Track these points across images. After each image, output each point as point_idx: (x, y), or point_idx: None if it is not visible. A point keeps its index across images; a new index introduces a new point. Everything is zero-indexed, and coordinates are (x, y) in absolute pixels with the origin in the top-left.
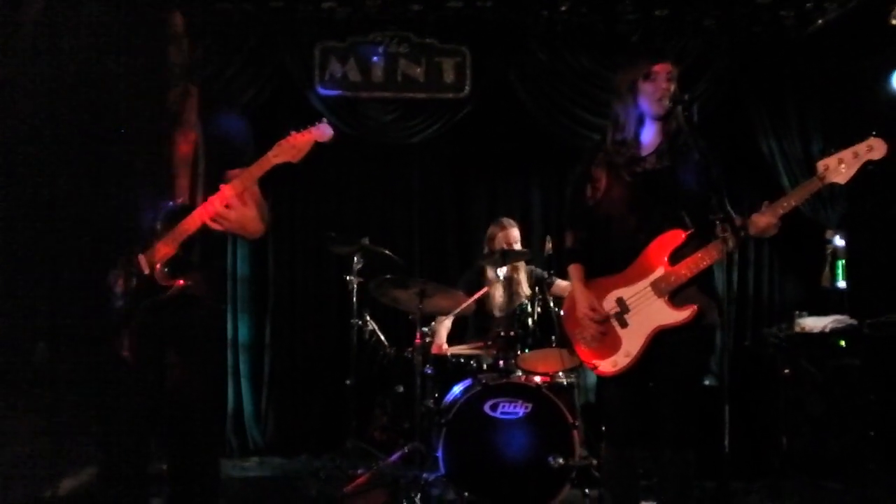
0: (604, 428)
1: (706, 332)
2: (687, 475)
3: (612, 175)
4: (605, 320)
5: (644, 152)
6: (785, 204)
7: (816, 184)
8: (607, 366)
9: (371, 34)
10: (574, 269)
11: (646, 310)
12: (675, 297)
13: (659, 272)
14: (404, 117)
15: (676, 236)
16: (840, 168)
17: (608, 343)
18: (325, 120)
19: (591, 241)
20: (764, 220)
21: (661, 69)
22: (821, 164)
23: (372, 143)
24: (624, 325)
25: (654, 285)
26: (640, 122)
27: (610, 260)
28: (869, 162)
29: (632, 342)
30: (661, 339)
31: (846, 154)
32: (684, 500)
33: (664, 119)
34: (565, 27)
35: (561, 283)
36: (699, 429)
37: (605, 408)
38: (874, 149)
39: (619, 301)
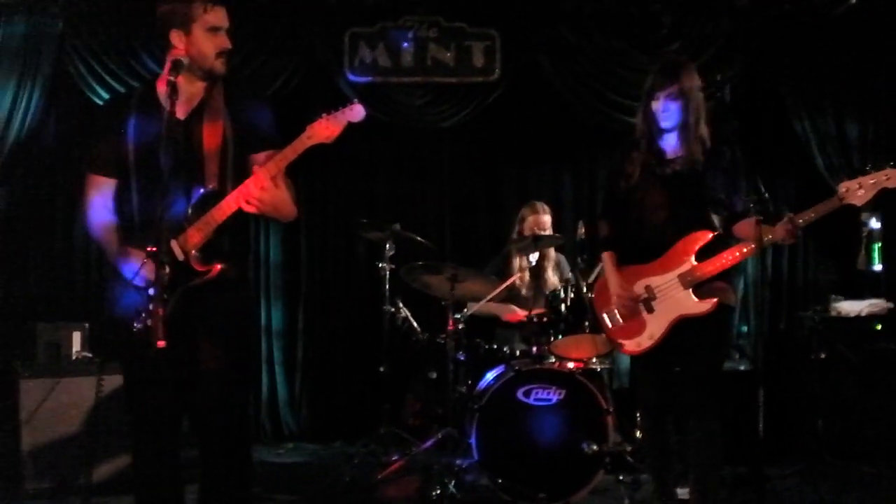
0: (638, 405)
1: (721, 312)
2: (713, 444)
3: (644, 171)
4: (635, 300)
5: (669, 156)
6: (806, 217)
7: (836, 202)
8: (632, 345)
9: (400, 19)
10: (607, 256)
11: (671, 298)
12: (701, 288)
13: (686, 266)
14: (434, 102)
15: (704, 236)
16: (858, 192)
17: (634, 325)
18: (356, 100)
19: (622, 231)
20: (783, 230)
21: (661, 94)
22: (842, 186)
23: (402, 128)
24: (650, 310)
25: (681, 277)
26: (657, 132)
27: (639, 249)
28: (885, 189)
29: (655, 326)
30: (683, 324)
31: (865, 180)
32: (712, 469)
33: (674, 131)
34: (595, 8)
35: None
36: (724, 402)
37: (637, 386)
38: (890, 178)
39: (648, 288)
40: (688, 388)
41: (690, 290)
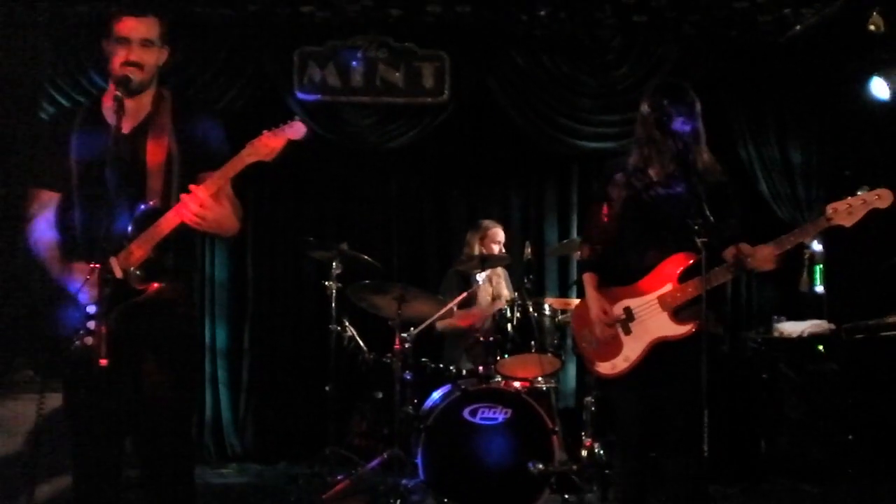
0: (616, 436)
1: (702, 337)
2: (694, 480)
3: (628, 195)
4: (614, 323)
5: (659, 177)
6: (792, 239)
7: (823, 223)
8: (606, 368)
9: (350, 38)
10: (588, 278)
11: (650, 320)
12: (681, 312)
13: (667, 288)
14: (383, 122)
15: (688, 257)
16: (847, 212)
17: (610, 347)
18: (297, 118)
19: (604, 253)
20: (766, 250)
21: (678, 118)
22: (830, 207)
23: (351, 147)
24: (627, 332)
25: (661, 299)
26: (659, 153)
27: (621, 272)
28: (875, 209)
29: (632, 348)
30: (662, 349)
31: (855, 200)
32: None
33: (679, 152)
34: (545, 32)
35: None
36: (702, 437)
37: (616, 416)
38: (881, 198)
39: (627, 310)
40: (669, 422)
41: (669, 312)
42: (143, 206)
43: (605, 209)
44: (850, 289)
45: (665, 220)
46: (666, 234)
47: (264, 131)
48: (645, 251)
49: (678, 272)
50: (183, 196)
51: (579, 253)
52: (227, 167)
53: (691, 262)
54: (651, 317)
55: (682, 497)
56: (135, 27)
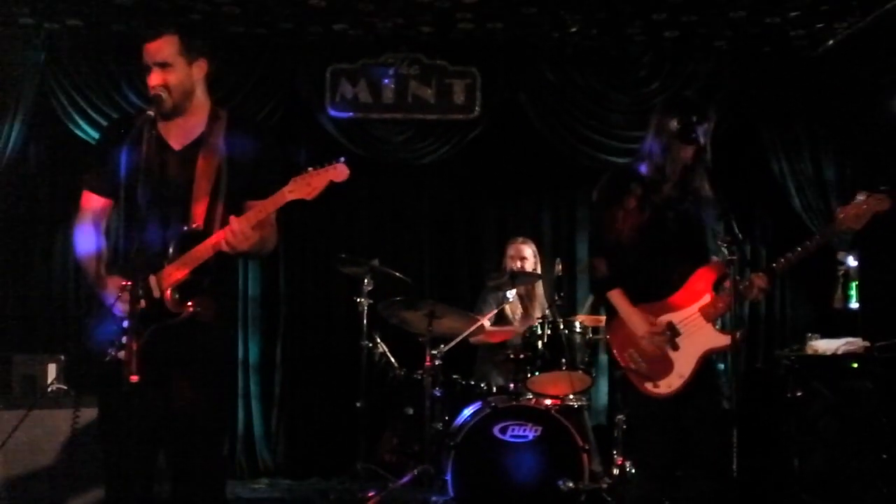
0: (640, 457)
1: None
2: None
3: (649, 208)
4: (664, 335)
5: (675, 193)
6: (810, 245)
7: (836, 228)
8: (663, 387)
9: (382, 56)
10: (618, 295)
11: (696, 333)
12: (717, 322)
13: (706, 299)
14: (415, 138)
15: (719, 268)
16: (855, 216)
17: (660, 366)
18: (343, 160)
19: (621, 267)
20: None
21: (699, 129)
22: (840, 212)
23: (382, 164)
24: (675, 347)
25: (703, 311)
26: (679, 168)
27: (641, 288)
28: (877, 213)
29: (684, 364)
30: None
31: (860, 206)
32: None
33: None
34: (575, 49)
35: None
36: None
37: (646, 437)
38: (880, 202)
39: (670, 325)
40: (696, 435)
41: (713, 323)
42: (185, 229)
43: (620, 217)
44: (885, 306)
45: (687, 237)
46: (686, 251)
47: (309, 168)
48: (666, 267)
49: (713, 282)
50: (226, 228)
51: (593, 267)
52: (268, 203)
53: (720, 273)
54: (697, 329)
55: None
56: (150, 52)
